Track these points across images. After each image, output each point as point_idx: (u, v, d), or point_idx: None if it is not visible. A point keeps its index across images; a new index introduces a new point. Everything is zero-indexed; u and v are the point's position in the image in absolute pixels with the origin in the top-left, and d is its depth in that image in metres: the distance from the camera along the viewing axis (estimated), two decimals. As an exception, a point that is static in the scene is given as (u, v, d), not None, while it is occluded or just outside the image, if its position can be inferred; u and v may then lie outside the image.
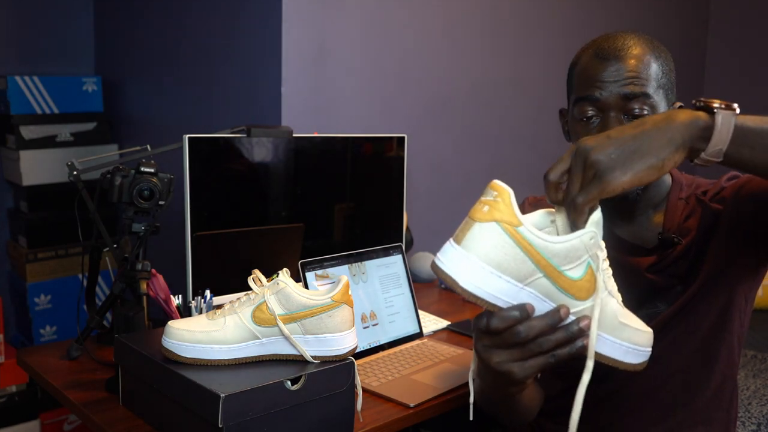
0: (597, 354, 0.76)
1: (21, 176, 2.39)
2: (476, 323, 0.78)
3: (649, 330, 0.81)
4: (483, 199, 0.74)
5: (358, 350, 1.11)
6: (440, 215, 2.44)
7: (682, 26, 3.48)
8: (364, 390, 1.26)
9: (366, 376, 1.33)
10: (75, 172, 1.39)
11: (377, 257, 1.54)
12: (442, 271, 0.72)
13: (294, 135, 1.59)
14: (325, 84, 2.04)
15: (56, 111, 2.48)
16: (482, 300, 0.73)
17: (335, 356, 1.05)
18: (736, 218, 1.09)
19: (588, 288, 0.75)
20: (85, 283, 1.45)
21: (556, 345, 0.76)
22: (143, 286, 1.31)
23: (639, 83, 1.05)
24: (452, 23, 2.37)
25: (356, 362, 1.09)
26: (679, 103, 1.13)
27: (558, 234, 0.79)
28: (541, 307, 0.75)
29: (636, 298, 1.13)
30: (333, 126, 2.05)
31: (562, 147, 3.22)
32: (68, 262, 2.49)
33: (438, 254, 0.74)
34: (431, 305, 1.81)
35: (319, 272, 1.42)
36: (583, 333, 0.75)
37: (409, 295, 1.57)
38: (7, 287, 2.59)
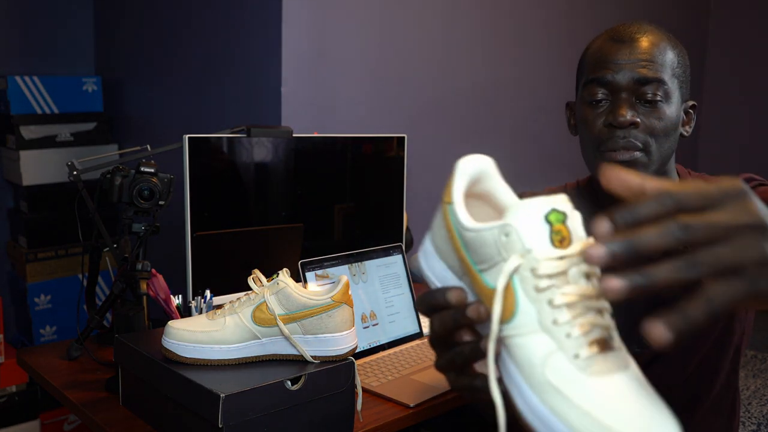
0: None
1: (21, 176, 2.39)
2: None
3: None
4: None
5: (358, 350, 1.11)
6: (440, 215, 2.44)
7: (682, 24, 3.48)
8: (364, 390, 1.25)
9: (366, 376, 1.33)
10: (75, 172, 1.39)
11: (377, 257, 1.54)
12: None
13: (294, 135, 1.59)
14: (325, 84, 2.04)
15: (56, 111, 2.48)
16: (429, 281, 0.62)
17: (335, 356, 1.05)
18: None
19: (508, 308, 0.52)
20: (85, 283, 1.45)
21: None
22: (143, 286, 1.31)
23: (653, 68, 1.00)
24: (452, 23, 2.37)
25: (356, 362, 1.09)
26: (692, 102, 1.08)
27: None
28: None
29: (643, 309, 1.12)
30: (333, 126, 2.05)
31: (561, 147, 3.22)
32: (68, 262, 2.49)
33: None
34: (431, 305, 1.80)
35: (319, 272, 1.42)
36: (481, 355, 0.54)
37: (409, 295, 1.57)
38: (7, 287, 2.59)
